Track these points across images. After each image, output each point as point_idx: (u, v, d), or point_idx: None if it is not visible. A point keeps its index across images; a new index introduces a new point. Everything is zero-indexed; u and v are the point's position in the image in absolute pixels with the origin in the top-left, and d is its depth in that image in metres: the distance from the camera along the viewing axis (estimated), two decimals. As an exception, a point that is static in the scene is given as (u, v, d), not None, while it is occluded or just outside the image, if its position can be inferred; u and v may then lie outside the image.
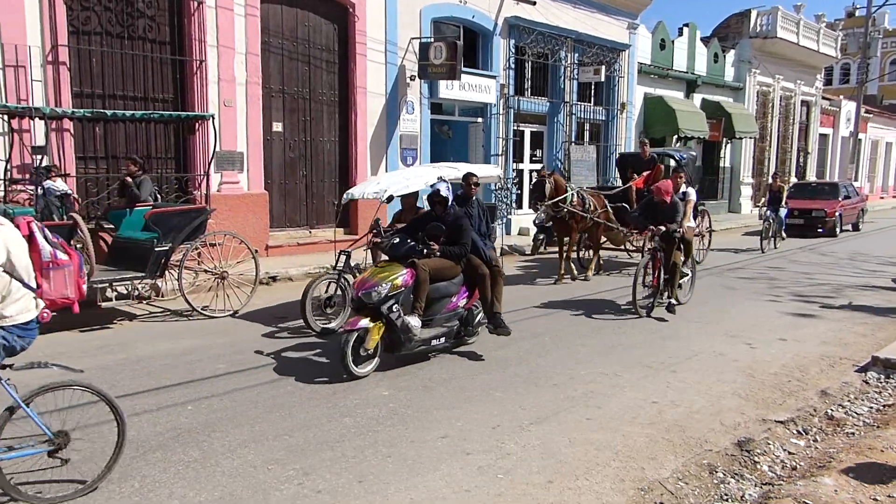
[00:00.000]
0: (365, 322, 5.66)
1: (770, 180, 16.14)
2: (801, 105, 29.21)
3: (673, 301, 8.51)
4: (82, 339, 7.11)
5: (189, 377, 5.81)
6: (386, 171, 13.64)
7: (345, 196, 7.95)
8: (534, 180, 16.05)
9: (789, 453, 4.65)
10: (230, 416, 4.93)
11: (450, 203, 6.48)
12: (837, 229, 18.76)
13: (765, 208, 15.33)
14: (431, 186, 6.83)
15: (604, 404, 5.37)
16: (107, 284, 7.80)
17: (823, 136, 32.41)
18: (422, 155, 14.31)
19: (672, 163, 13.82)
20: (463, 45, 13.80)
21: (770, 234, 14.98)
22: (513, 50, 15.95)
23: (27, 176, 8.81)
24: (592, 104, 18.78)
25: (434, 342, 6.16)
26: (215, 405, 5.16)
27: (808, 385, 6.03)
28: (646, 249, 10.55)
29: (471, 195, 7.17)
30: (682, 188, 9.18)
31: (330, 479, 4.00)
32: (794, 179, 27.47)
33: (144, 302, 8.83)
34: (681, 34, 22.27)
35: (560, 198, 10.29)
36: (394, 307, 5.72)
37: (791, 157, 28.32)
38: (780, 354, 6.94)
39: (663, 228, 8.17)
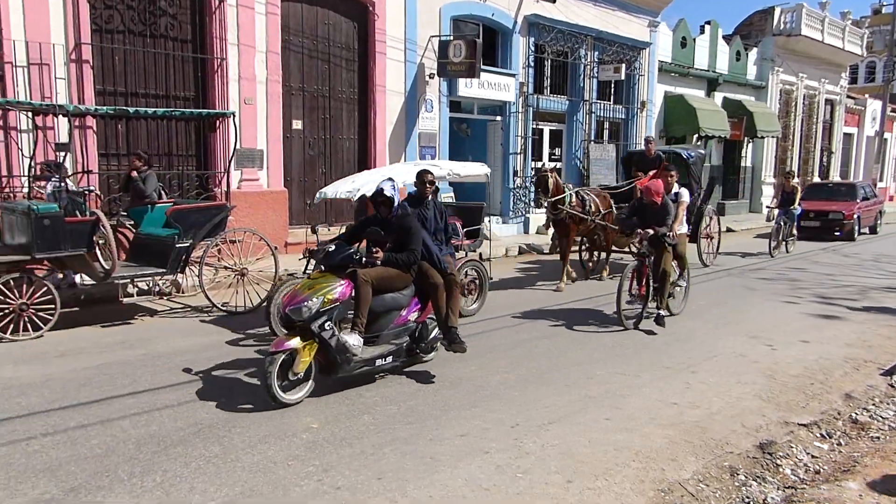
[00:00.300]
0: (293, 342, 4.99)
1: (782, 179, 15.27)
2: (826, 104, 28.81)
3: (662, 312, 7.79)
4: (103, 333, 7.19)
5: (209, 373, 5.85)
6: (404, 169, 13.67)
7: (318, 195, 7.85)
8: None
9: (812, 457, 4.59)
10: (250, 412, 4.96)
11: (396, 204, 5.87)
12: (855, 232, 17.84)
13: (776, 209, 14.60)
14: (385, 183, 6.20)
15: (622, 405, 5.33)
16: (128, 280, 7.89)
17: (848, 136, 31.93)
18: (440, 153, 14.31)
19: (681, 165, 13.30)
20: (482, 43, 13.77)
21: (781, 238, 14.21)
22: (532, 48, 15.89)
23: (39, 172, 8.92)
24: (612, 102, 18.66)
25: (379, 362, 5.49)
26: (235, 401, 5.19)
27: (831, 388, 5.95)
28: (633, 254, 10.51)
29: (425, 195, 6.59)
30: (675, 188, 8.57)
31: (349, 476, 4.02)
32: (816, 178, 27.08)
33: (165, 298, 8.92)
34: (702, 32, 22.05)
35: (559, 198, 9.94)
36: (326, 324, 5.06)
37: (814, 157, 27.95)
38: (802, 356, 6.85)
39: (651, 232, 7.51)
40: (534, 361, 6.42)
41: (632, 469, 4.24)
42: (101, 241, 7.78)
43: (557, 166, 17.60)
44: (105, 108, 8.81)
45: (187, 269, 8.22)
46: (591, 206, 10.36)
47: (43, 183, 8.84)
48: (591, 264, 11.42)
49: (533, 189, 16.60)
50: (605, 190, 11.74)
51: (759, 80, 24.39)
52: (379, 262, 5.53)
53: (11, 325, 6.79)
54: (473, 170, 8.87)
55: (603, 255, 11.44)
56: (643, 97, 19.23)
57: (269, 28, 11.36)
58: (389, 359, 5.58)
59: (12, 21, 8.90)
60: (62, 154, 8.55)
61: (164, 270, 7.81)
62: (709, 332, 7.73)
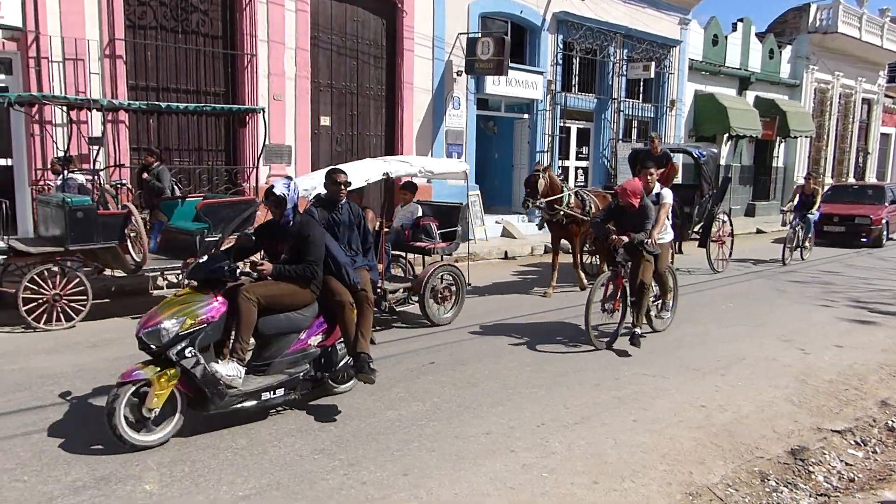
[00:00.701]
0: (144, 372, 4.18)
1: (802, 181, 13.98)
2: (862, 103, 28.16)
3: (638, 331, 6.80)
4: (133, 325, 7.25)
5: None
6: (431, 166, 13.66)
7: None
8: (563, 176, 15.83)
9: (846, 464, 4.49)
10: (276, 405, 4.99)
11: (289, 206, 4.81)
12: (884, 238, 16.40)
13: (791, 213, 13.42)
14: (278, 180, 5.26)
15: (649, 406, 5.27)
16: (158, 273, 8.00)
17: (885, 136, 31.17)
18: (467, 151, 14.28)
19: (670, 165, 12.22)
20: (510, 40, 13.70)
21: (796, 244, 13.12)
22: (560, 45, 15.78)
23: (50, 167, 9.06)
24: (641, 101, 18.46)
25: (268, 395, 4.58)
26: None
27: (866, 394, 5.81)
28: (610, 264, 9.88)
29: (337, 198, 5.51)
30: (656, 188, 7.51)
31: (375, 471, 4.02)
32: (851, 179, 26.43)
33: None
34: (734, 29, 21.70)
35: (555, 198, 9.21)
36: (187, 351, 4.23)
37: (849, 158, 27.37)
38: (836, 361, 6.70)
39: (625, 239, 6.58)
40: (559, 360, 6.37)
41: (659, 471, 4.19)
42: (132, 234, 7.90)
43: (585, 165, 17.49)
44: (138, 102, 8.94)
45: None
46: (591, 208, 9.62)
47: (56, 177, 9.01)
48: (598, 269, 10.59)
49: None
50: (608, 191, 11.31)
51: (792, 79, 23.94)
52: (269, 276, 4.70)
53: (45, 315, 6.93)
54: (449, 167, 8.23)
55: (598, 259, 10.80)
56: (673, 96, 18.99)
57: (299, 24, 11.43)
58: (281, 391, 4.65)
59: (49, 17, 9.07)
60: (95, 148, 8.70)
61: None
62: (738, 335, 7.60)
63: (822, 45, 24.30)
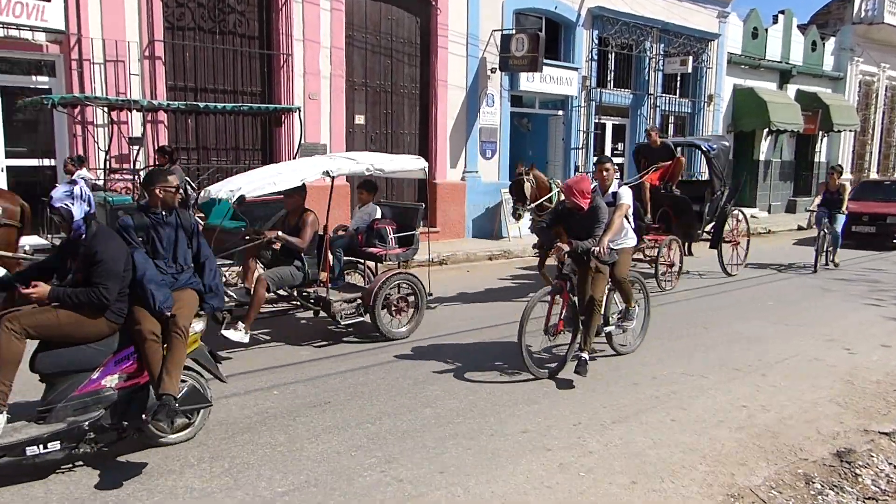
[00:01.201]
0: None
1: (826, 178, 12.40)
2: (909, 95, 27.30)
3: (585, 356, 5.60)
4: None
5: (273, 363, 5.97)
6: (465, 164, 13.64)
7: (202, 193, 6.49)
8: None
9: (895, 467, 4.35)
10: (314, 403, 5.03)
11: (77, 217, 3.93)
12: None
13: (817, 213, 11.89)
14: (58, 189, 4.20)
15: (688, 406, 5.18)
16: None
17: (933, 130, 30.17)
18: (500, 148, 14.22)
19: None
20: (545, 36, 13.59)
21: (826, 247, 11.73)
22: (596, 41, 15.60)
23: (65, 167, 9.18)
24: (678, 96, 18.16)
25: (34, 449, 3.63)
26: (300, 391, 5.28)
27: (915, 395, 5.63)
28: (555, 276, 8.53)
29: (156, 203, 4.41)
30: (613, 187, 6.47)
31: (411, 469, 4.02)
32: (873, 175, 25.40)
33: (231, 289, 9.13)
34: (775, 22, 21.19)
35: (544, 198, 8.48)
36: None
37: None
38: (884, 362, 6.50)
39: (566, 248, 5.47)
40: (596, 359, 6.31)
41: (699, 472, 4.11)
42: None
43: (619, 161, 17.27)
44: (176, 103, 9.12)
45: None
46: None
47: (120, 176, 9.20)
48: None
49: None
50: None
51: (836, 72, 23.29)
52: (46, 301, 3.82)
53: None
54: (405, 164, 7.15)
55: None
56: (711, 90, 18.63)
57: (334, 23, 11.50)
58: (56, 444, 3.71)
59: (90, 20, 9.27)
60: (136, 147, 8.89)
61: (232, 262, 8.00)
62: (779, 334, 7.42)
63: (867, 37, 23.59)
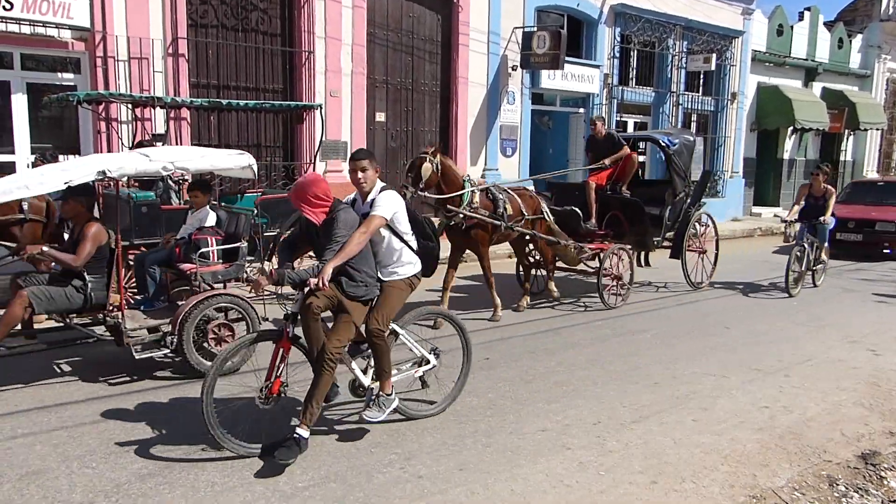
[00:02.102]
0: None
1: (810, 179, 10.09)
2: (938, 94, 26.75)
3: (302, 433, 3.99)
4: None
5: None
6: (486, 162, 13.62)
7: None
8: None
9: (921, 471, 4.28)
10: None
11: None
12: None
13: (796, 224, 9.72)
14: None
15: (709, 406, 5.13)
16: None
17: (963, 129, 29.58)
18: (521, 146, 14.18)
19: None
20: (567, 33, 13.52)
21: (804, 266, 9.51)
22: (618, 38, 15.49)
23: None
24: (701, 94, 17.97)
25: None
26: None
27: (942, 398, 5.52)
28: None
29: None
30: (375, 191, 4.45)
31: (431, 465, 4.03)
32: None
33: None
34: (801, 19, 20.89)
35: (451, 195, 7.01)
36: None
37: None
38: (909, 364, 6.40)
39: (264, 282, 4.04)
40: (616, 359, 6.26)
41: (721, 473, 4.07)
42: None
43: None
44: (200, 100, 9.19)
45: (274, 257, 8.46)
46: (505, 209, 7.38)
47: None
48: (528, 285, 8.46)
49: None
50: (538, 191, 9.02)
51: (863, 69, 22.91)
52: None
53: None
54: (218, 161, 5.73)
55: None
56: (734, 88, 18.41)
57: (356, 21, 11.53)
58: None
59: (115, 18, 9.39)
60: (159, 144, 8.97)
61: (253, 258, 8.07)
62: (801, 335, 7.32)
63: (895, 34, 23.17)
